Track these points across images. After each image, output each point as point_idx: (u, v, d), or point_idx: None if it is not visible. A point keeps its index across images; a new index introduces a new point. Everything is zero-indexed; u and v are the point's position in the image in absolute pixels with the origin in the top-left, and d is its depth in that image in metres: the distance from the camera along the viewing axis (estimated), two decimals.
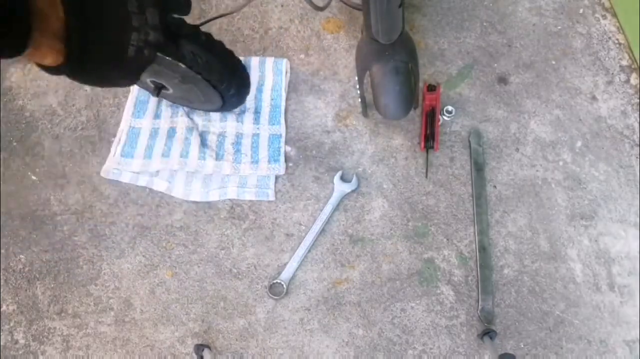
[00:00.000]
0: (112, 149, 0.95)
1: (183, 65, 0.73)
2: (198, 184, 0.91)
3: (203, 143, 0.94)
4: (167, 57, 0.71)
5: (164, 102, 0.97)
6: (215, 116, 0.96)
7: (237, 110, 0.97)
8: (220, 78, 0.79)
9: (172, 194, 0.91)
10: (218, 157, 0.93)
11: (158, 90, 0.82)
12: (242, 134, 0.96)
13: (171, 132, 0.95)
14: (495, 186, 0.94)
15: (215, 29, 1.04)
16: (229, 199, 0.92)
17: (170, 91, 0.84)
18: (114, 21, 0.50)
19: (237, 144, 0.95)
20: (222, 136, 0.95)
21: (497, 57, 1.04)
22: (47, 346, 0.83)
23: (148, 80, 0.81)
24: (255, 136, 0.95)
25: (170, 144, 0.93)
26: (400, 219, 0.92)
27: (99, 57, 0.51)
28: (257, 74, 1.00)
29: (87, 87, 1.01)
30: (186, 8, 0.67)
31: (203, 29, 0.77)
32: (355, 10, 1.03)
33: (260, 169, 0.93)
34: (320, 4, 0.88)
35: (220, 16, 0.84)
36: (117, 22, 0.50)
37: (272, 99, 0.98)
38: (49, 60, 0.49)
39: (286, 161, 0.95)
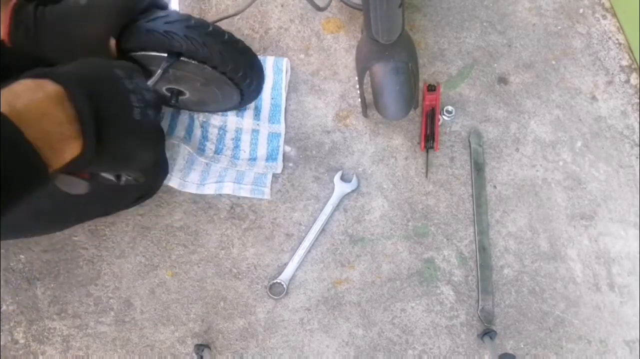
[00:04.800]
0: None
1: (209, 67, 0.72)
2: (195, 177, 0.91)
3: (204, 135, 0.94)
4: (193, 61, 0.71)
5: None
6: None
7: None
8: (243, 74, 0.78)
9: (169, 184, 0.90)
10: (217, 151, 0.93)
11: (176, 97, 0.81)
12: (241, 129, 0.96)
13: (173, 119, 0.95)
14: (495, 186, 0.94)
15: None
16: (229, 199, 0.92)
17: (187, 95, 0.83)
18: (114, 93, 0.50)
19: (236, 139, 0.95)
20: (222, 129, 0.95)
21: (497, 57, 1.04)
22: (47, 346, 0.83)
23: (164, 89, 0.80)
24: (255, 132, 0.96)
25: (175, 124, 0.94)
26: (400, 219, 0.92)
27: (115, 130, 0.49)
28: None
29: None
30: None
31: None
32: (355, 10, 1.03)
33: (257, 167, 0.93)
34: (321, 4, 0.88)
35: (222, 18, 0.84)
36: (116, 93, 0.50)
37: (272, 98, 0.98)
38: (67, 156, 0.46)
39: (286, 160, 0.95)
